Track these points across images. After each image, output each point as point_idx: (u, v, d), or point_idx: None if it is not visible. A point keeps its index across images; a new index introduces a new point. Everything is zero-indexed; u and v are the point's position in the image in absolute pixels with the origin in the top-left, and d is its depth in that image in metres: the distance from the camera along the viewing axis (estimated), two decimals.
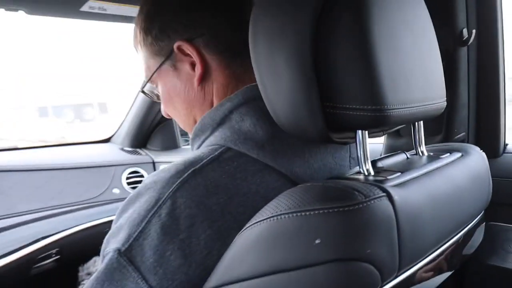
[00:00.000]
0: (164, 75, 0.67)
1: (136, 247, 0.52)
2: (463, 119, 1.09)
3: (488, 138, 1.09)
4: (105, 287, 0.52)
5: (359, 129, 0.51)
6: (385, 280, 0.45)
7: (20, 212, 1.23)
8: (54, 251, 1.25)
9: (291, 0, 0.50)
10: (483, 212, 0.69)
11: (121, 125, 1.78)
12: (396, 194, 0.45)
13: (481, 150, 0.68)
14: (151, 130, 1.73)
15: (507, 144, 1.11)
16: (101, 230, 1.28)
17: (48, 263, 1.25)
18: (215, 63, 0.63)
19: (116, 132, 1.81)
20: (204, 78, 0.64)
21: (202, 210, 0.52)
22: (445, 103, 0.61)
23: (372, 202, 0.43)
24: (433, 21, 1.04)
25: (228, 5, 0.63)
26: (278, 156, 0.56)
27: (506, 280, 1.07)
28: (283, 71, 0.50)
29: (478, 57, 1.08)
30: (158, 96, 0.73)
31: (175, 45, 0.63)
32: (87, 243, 1.26)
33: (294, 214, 0.44)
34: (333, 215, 0.43)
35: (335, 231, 0.43)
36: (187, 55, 0.63)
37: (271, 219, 0.46)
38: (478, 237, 0.72)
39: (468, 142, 1.10)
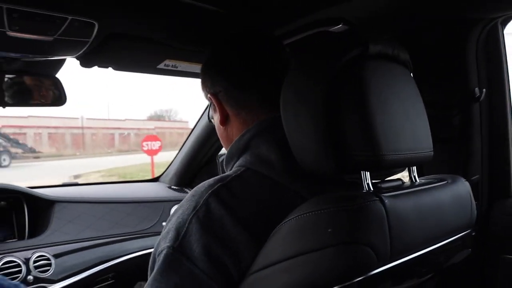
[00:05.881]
0: (212, 108, 0.97)
1: (185, 243, 0.72)
2: (477, 164, 1.34)
3: (500, 181, 1.34)
4: (165, 276, 0.72)
5: (362, 170, 0.72)
6: (380, 262, 0.65)
7: (85, 238, 1.56)
8: (110, 275, 1.56)
9: (310, 82, 0.73)
10: (470, 230, 0.90)
11: (169, 166, 2.13)
12: (386, 199, 0.66)
13: (466, 180, 0.89)
14: (197, 171, 2.05)
15: None
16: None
17: (104, 286, 1.55)
18: (231, 113, 0.90)
19: (164, 172, 2.16)
20: (225, 122, 0.92)
21: (228, 211, 0.74)
22: (432, 153, 0.81)
23: (369, 203, 0.64)
24: (448, 82, 1.32)
25: (238, 72, 0.90)
26: (285, 175, 0.79)
27: None
28: (306, 129, 0.73)
29: (490, 112, 1.35)
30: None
31: (208, 95, 0.93)
32: (137, 269, 1.55)
33: (313, 212, 0.65)
34: (342, 212, 0.64)
35: (343, 222, 0.64)
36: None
37: (297, 217, 0.67)
38: (466, 250, 0.93)
39: (482, 184, 1.33)
